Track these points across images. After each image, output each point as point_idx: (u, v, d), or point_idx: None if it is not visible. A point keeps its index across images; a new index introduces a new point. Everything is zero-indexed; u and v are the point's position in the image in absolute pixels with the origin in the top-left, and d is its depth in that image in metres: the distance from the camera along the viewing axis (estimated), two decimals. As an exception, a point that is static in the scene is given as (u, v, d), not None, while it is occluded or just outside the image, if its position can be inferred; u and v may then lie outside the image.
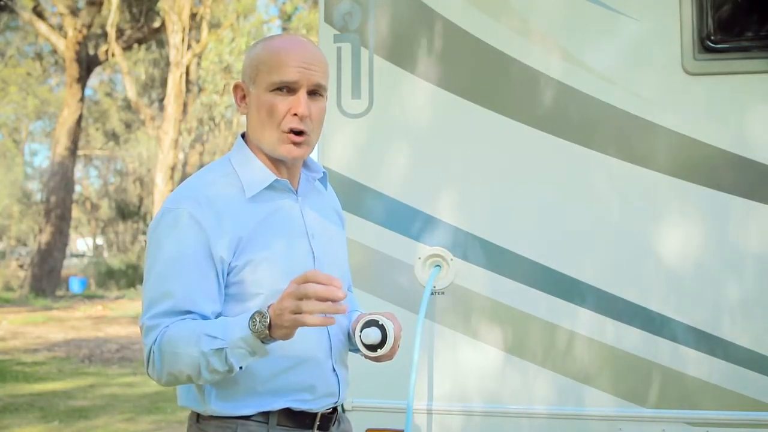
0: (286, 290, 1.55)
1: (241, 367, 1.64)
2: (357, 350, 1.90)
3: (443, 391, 2.74)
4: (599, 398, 2.64)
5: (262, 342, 1.59)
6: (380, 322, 1.84)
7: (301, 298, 1.52)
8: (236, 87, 1.85)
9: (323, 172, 1.94)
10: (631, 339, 2.62)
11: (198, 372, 1.63)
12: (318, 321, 1.53)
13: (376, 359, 1.88)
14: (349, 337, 1.92)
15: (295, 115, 1.75)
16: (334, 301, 1.52)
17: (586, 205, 2.70)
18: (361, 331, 1.85)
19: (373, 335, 1.84)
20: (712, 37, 2.63)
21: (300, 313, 1.52)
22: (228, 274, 1.72)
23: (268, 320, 1.56)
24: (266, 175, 1.80)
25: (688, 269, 2.63)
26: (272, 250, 1.75)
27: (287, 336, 1.58)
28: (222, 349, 1.60)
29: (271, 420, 1.76)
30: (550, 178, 2.72)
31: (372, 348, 1.85)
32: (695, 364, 2.59)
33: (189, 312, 1.69)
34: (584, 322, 2.65)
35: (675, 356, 2.60)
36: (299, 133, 1.77)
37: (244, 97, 1.83)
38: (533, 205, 2.72)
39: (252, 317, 1.58)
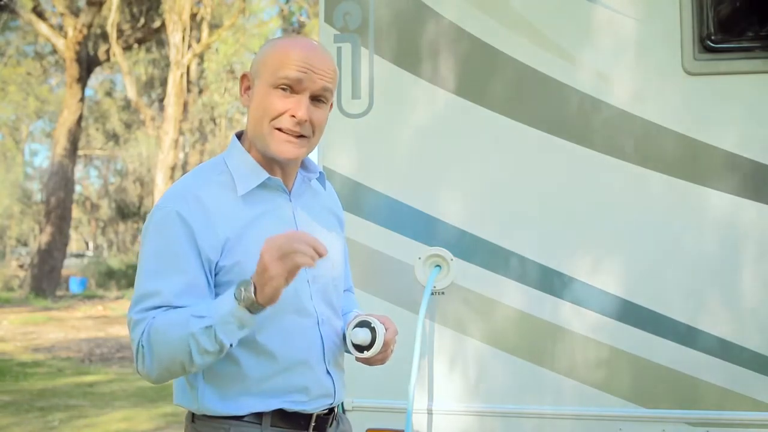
0: (264, 251, 1.57)
1: (231, 345, 1.63)
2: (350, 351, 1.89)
3: (443, 391, 2.74)
4: (599, 398, 2.64)
5: (250, 312, 1.60)
6: (372, 324, 1.82)
7: (286, 253, 1.55)
8: (243, 77, 1.85)
9: (320, 172, 1.93)
10: (632, 339, 2.62)
11: (189, 356, 1.62)
12: (307, 260, 1.55)
13: (366, 361, 1.88)
14: (344, 338, 1.91)
15: (293, 117, 1.74)
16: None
17: (586, 204, 2.70)
18: (352, 330, 1.84)
19: (362, 335, 1.82)
20: (712, 37, 2.63)
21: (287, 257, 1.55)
22: (216, 275, 1.72)
23: (252, 287, 1.58)
24: (258, 173, 1.79)
25: (688, 269, 2.63)
26: (259, 251, 1.74)
27: (274, 297, 1.58)
28: (211, 326, 1.60)
29: (264, 421, 1.75)
30: (549, 178, 2.72)
31: (360, 348, 1.84)
32: (695, 364, 2.58)
33: (176, 308, 1.68)
34: (584, 322, 2.65)
35: (675, 356, 2.60)
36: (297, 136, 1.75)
37: (248, 88, 1.83)
38: (533, 205, 2.72)
39: (237, 288, 1.60)
